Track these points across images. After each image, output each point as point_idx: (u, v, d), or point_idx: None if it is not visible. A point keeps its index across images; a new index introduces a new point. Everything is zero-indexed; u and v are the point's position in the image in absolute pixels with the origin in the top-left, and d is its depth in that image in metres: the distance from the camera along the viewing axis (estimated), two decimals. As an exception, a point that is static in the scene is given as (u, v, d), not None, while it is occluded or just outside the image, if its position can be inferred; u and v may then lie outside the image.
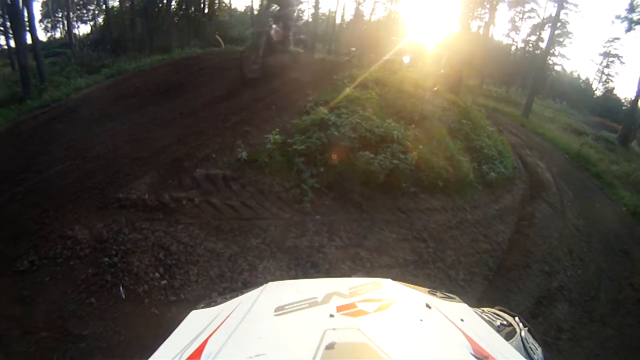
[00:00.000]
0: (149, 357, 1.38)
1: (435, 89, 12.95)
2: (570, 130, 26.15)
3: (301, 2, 25.97)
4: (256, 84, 11.38)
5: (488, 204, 9.45)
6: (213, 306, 1.91)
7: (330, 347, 1.09)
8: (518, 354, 1.39)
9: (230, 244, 5.83)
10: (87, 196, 6.27)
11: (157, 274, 5.10)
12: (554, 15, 30.72)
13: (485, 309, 1.90)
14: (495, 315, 1.79)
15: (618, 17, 34.39)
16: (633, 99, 34.28)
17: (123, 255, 5.24)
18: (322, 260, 6.07)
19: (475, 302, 6.32)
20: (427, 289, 1.82)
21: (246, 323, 1.42)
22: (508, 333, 1.60)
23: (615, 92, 47.35)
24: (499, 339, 1.43)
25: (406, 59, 17.46)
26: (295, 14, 11.97)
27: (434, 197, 8.42)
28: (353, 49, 20.61)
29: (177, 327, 1.71)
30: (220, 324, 1.49)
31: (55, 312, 4.49)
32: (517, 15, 40.25)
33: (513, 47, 42.24)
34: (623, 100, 45.66)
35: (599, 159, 19.93)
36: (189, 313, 1.91)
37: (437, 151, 9.08)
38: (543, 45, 35.20)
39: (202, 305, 2.02)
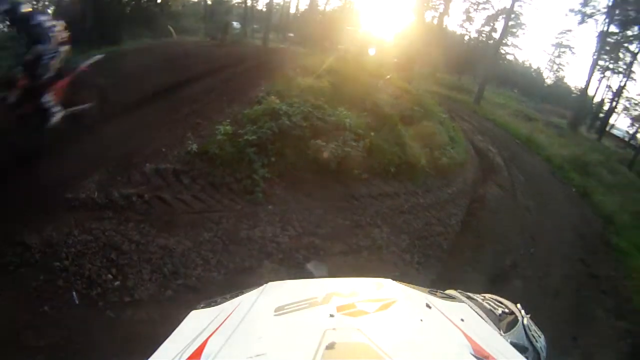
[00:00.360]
0: (148, 357, 1.36)
1: (388, 77, 13.05)
2: (521, 117, 26.86)
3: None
4: (207, 75, 11.21)
5: (440, 188, 9.63)
6: (213, 306, 1.86)
7: (330, 347, 1.08)
8: (519, 354, 1.39)
9: (182, 239, 5.68)
10: (35, 199, 5.97)
11: (109, 275, 4.90)
12: (508, 7, 31.49)
13: (487, 296, 1.90)
14: (497, 303, 1.80)
15: (572, 10, 35.73)
16: (583, 87, 35.72)
17: (74, 258, 4.99)
18: (275, 250, 6.02)
19: (430, 283, 6.41)
20: (427, 289, 1.80)
21: (246, 323, 1.40)
22: (510, 322, 1.63)
23: (565, 80, 49.27)
24: (499, 338, 1.43)
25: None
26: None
27: (387, 183, 8.50)
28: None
29: (176, 327, 1.67)
30: (221, 324, 1.47)
31: (8, 324, 4.25)
32: (472, 7, 41.11)
33: (467, 37, 43.23)
34: (573, 89, 47.44)
35: (549, 143, 20.61)
36: (189, 313, 1.85)
37: (389, 138, 9.17)
38: (496, 35, 36.19)
39: (202, 305, 1.95)
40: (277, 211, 6.76)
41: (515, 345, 1.47)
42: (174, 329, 1.67)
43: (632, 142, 38.78)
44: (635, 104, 40.94)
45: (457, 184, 10.24)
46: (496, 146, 15.55)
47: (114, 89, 9.76)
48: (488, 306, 1.73)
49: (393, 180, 8.67)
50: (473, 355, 1.14)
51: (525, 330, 1.59)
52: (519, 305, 1.76)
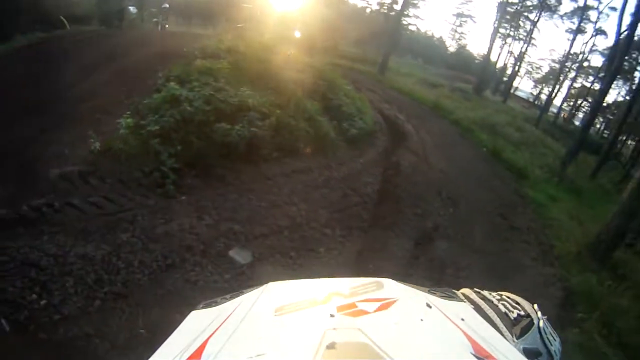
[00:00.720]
0: (148, 357, 1.27)
1: (290, 53, 13.03)
2: (426, 84, 27.91)
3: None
4: (104, 66, 10.75)
5: (353, 158, 9.87)
6: (213, 306, 1.74)
7: (330, 347, 1.05)
8: (520, 354, 1.37)
9: (100, 245, 5.44)
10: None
11: (34, 295, 4.61)
12: (408, -22, 32.21)
13: (504, 294, 1.80)
14: (513, 304, 1.73)
15: (472, -19, 37.22)
16: (485, 53, 37.58)
17: None
18: (195, 241, 5.94)
19: (356, 254, 6.71)
20: (427, 288, 1.70)
21: (246, 323, 1.36)
22: (525, 326, 1.59)
23: (468, 48, 51.76)
24: (500, 338, 1.41)
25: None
26: None
27: (298, 160, 8.62)
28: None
29: (176, 327, 1.66)
30: (221, 324, 1.41)
31: None
32: (372, -21, 41.73)
33: (368, 10, 43.84)
34: (476, 55, 49.89)
35: (456, 107, 21.58)
36: (189, 313, 1.85)
37: (295, 114, 9.27)
38: (397, 7, 36.90)
39: (202, 306, 1.93)
40: (191, 201, 6.67)
41: (529, 350, 1.48)
42: (115, 341, 1.66)
43: (536, 102, 41.59)
44: (537, 68, 43.92)
45: (369, 154, 10.53)
46: (404, 114, 16.02)
47: (4, 92, 9.18)
48: (503, 308, 1.69)
49: (304, 156, 8.81)
50: (473, 355, 1.13)
51: (540, 333, 1.55)
52: (535, 306, 1.70)
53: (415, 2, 43.02)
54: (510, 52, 42.14)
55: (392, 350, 1.05)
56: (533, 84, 45.58)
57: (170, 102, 7.63)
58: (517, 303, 1.73)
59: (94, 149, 6.90)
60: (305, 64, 12.98)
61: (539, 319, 1.60)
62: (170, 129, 7.20)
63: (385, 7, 42.89)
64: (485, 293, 1.80)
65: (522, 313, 1.65)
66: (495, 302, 1.73)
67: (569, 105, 38.79)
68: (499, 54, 41.46)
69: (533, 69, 44.20)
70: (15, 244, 5.19)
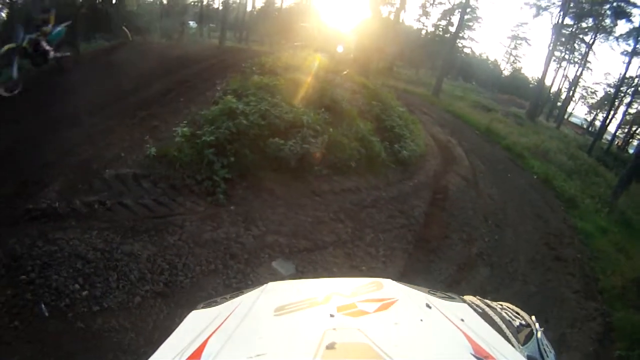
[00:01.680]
0: (148, 357, 1.35)
1: (345, 72, 13.08)
2: (480, 107, 27.30)
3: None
4: (164, 76, 11.06)
5: (402, 180, 9.75)
6: (213, 306, 1.87)
7: (330, 347, 1.09)
8: (519, 354, 1.41)
9: (147, 245, 5.61)
10: (-5, 211, 5.86)
11: (77, 285, 4.80)
12: (464, 1, 31.99)
13: (504, 304, 1.92)
14: (514, 313, 1.81)
15: (527, 3, 36.75)
16: (540, 77, 36.66)
17: (40, 270, 4.86)
18: (240, 250, 6.02)
19: (398, 276, 6.56)
20: (427, 289, 1.83)
21: (246, 323, 1.41)
22: (527, 335, 1.62)
23: (522, 71, 50.62)
24: (499, 339, 1.44)
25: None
26: None
27: (348, 178, 8.58)
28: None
29: (176, 327, 1.67)
30: (221, 324, 1.47)
31: None
32: (428, 1, 41.68)
33: (423, 32, 43.74)
34: (530, 79, 48.67)
35: (509, 132, 21.02)
36: (189, 313, 1.86)
37: (348, 133, 9.24)
38: (453, 29, 36.72)
39: (202, 306, 1.97)
40: (239, 211, 6.75)
41: (531, 358, 1.49)
42: (148, 337, 1.67)
43: (590, 129, 40.11)
44: (592, 92, 42.43)
45: (418, 176, 10.38)
46: (456, 137, 15.78)
47: (68, 94, 9.57)
48: (507, 316, 1.75)
49: (354, 175, 8.75)
50: (473, 355, 1.16)
51: (538, 344, 1.59)
52: (533, 318, 1.78)
53: (470, 24, 42.57)
54: (565, 76, 40.88)
55: (392, 351, 1.08)
56: (587, 109, 43.94)
57: (226, 114, 7.77)
58: (517, 313, 1.82)
59: (149, 154, 7.12)
60: (360, 84, 13.02)
61: (537, 329, 1.65)
62: (225, 140, 7.33)
63: (441, 30, 42.82)
64: (488, 301, 1.93)
65: (524, 322, 1.72)
66: (499, 309, 1.81)
67: (624, 132, 37.11)
68: (554, 78, 40.14)
69: (587, 94, 42.57)
70: (66, 236, 5.40)
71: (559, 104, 42.85)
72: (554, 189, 13.95)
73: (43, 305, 4.55)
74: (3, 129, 8.07)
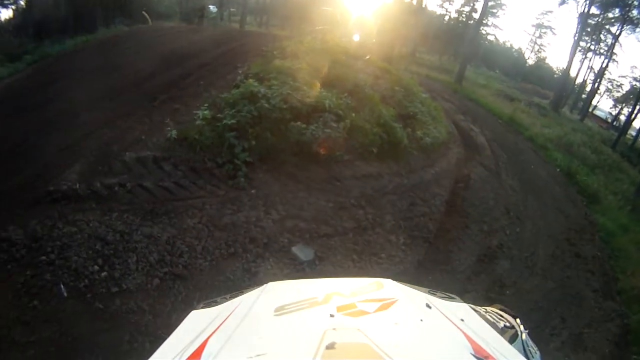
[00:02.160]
0: (149, 357, 1.35)
1: (368, 57, 12.96)
2: (503, 96, 26.94)
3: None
4: (184, 60, 11.07)
5: (424, 168, 9.63)
6: (213, 306, 1.89)
7: (330, 347, 1.09)
8: (518, 354, 1.41)
9: (166, 227, 5.65)
10: (17, 193, 5.85)
11: (96, 267, 4.87)
12: (487, -14, 31.43)
13: (488, 308, 1.91)
14: (498, 316, 1.80)
15: (553, -10, 35.87)
16: (565, 68, 35.98)
17: (60, 251, 4.95)
18: (260, 234, 6.01)
19: (417, 264, 6.55)
20: (427, 289, 1.84)
21: (246, 323, 1.42)
22: (511, 336, 1.62)
23: (547, 61, 49.69)
24: (499, 339, 1.44)
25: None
26: None
27: (369, 164, 8.48)
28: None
29: (177, 327, 1.68)
30: (221, 324, 1.48)
31: None
32: (452, -14, 41.11)
33: (446, 17, 43.26)
34: (555, 69, 47.84)
35: (532, 123, 20.71)
36: (189, 313, 1.88)
37: (370, 119, 9.13)
38: (476, 15, 36.19)
39: (202, 305, 2.00)
40: (260, 195, 6.73)
41: None
42: (165, 320, 1.67)
43: (615, 123, 39.33)
44: (618, 86, 41.52)
45: (440, 164, 10.26)
46: (479, 126, 15.59)
47: (89, 79, 9.62)
48: (491, 319, 1.73)
49: (376, 160, 8.65)
50: (473, 355, 1.16)
51: (523, 345, 1.60)
52: (518, 320, 1.78)
53: (494, 11, 42.00)
54: (591, 68, 40.02)
55: (392, 351, 1.06)
56: (612, 103, 42.97)
57: (248, 98, 7.73)
58: (501, 316, 1.81)
59: (170, 136, 7.15)
60: (383, 69, 12.88)
61: (522, 331, 1.66)
62: (246, 123, 7.30)
63: (464, 15, 42.29)
64: (472, 305, 1.87)
65: (508, 324, 1.71)
66: (483, 312, 1.78)
67: None
68: (579, 69, 39.24)
69: (613, 87, 41.60)
70: (85, 218, 5.48)
71: (583, 96, 42.08)
72: (577, 183, 13.68)
73: (62, 286, 4.59)
74: (24, 114, 8.16)
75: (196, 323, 1.64)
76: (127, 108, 8.45)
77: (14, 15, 23.68)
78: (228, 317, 1.53)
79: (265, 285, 1.89)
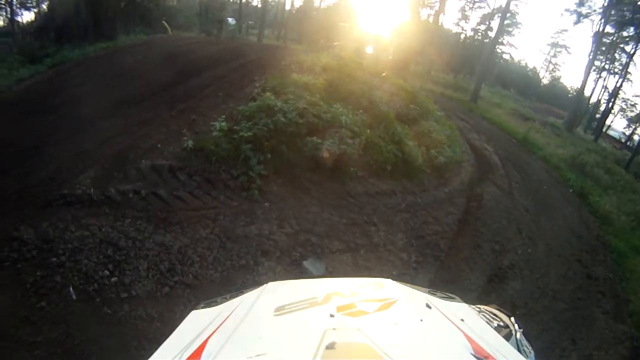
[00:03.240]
0: (149, 357, 1.36)
1: (384, 74, 13.00)
2: (517, 116, 26.84)
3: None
4: (202, 71, 11.17)
5: (437, 187, 9.61)
6: (213, 306, 1.91)
7: (330, 347, 1.09)
8: (518, 353, 1.42)
9: (179, 236, 5.67)
10: (30, 194, 5.90)
11: (106, 272, 4.90)
12: (503, 5, 31.54)
13: (482, 307, 1.94)
14: (492, 315, 1.82)
15: (567, 10, 36.04)
16: (579, 87, 35.78)
17: (71, 254, 4.99)
18: (272, 247, 6.01)
19: (428, 283, 6.44)
20: (427, 289, 1.86)
21: (246, 323, 1.42)
22: (506, 335, 1.63)
23: (561, 80, 49.50)
24: (498, 338, 1.45)
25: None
26: None
27: (383, 181, 8.49)
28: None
29: (177, 326, 1.72)
30: (221, 324, 1.48)
31: (6, 320, 4.21)
32: (468, 5, 41.23)
33: (462, 36, 43.37)
34: (569, 89, 47.58)
35: (546, 143, 20.58)
36: (189, 313, 1.92)
37: (385, 136, 9.15)
38: (492, 34, 36.27)
39: (202, 305, 2.03)
40: (273, 208, 6.75)
41: None
42: (174, 328, 1.67)
43: (628, 143, 38.92)
44: (632, 105, 41.13)
45: (454, 183, 10.23)
46: (493, 145, 15.54)
47: (108, 85, 9.74)
48: (484, 318, 1.74)
49: (389, 178, 8.66)
50: (473, 355, 1.15)
51: (518, 344, 1.60)
52: (512, 319, 1.79)
53: (510, 29, 41.91)
54: (605, 87, 39.65)
55: (392, 351, 1.07)
56: (626, 122, 42.52)
57: (265, 111, 7.78)
58: (495, 315, 1.83)
59: (186, 146, 7.19)
60: (398, 86, 12.88)
61: (516, 330, 1.68)
62: (262, 136, 7.32)
63: (480, 34, 42.26)
64: (466, 304, 1.88)
65: (502, 323, 1.73)
66: (477, 312, 1.79)
67: None
68: (593, 89, 38.85)
69: (627, 107, 41.11)
70: (98, 222, 5.52)
71: (597, 115, 41.74)
72: (589, 204, 13.56)
73: (71, 289, 4.63)
74: (42, 116, 8.26)
75: (196, 323, 1.66)
76: (144, 116, 8.54)
77: (35, 18, 24.13)
78: (228, 317, 1.54)
79: (265, 285, 1.89)
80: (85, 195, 5.93)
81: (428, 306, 1.51)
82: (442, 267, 7.10)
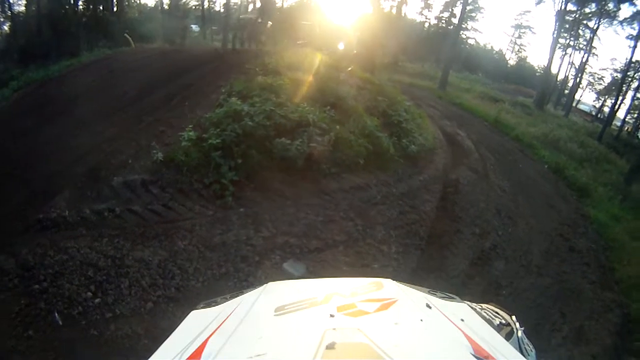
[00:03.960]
0: (149, 357, 1.39)
1: (350, 69, 13.02)
2: (487, 99, 27.00)
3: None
4: (168, 81, 11.08)
5: (412, 175, 9.65)
6: (213, 306, 1.91)
7: (330, 347, 1.09)
8: (518, 353, 1.42)
9: (157, 250, 5.68)
10: (6, 222, 5.87)
11: (89, 293, 4.90)
12: (465, -9, 31.69)
13: (484, 305, 1.92)
14: (494, 313, 1.83)
15: (529, -10, 36.09)
16: (546, 65, 36.14)
17: (52, 279, 4.98)
18: (251, 252, 6.04)
19: (411, 273, 6.55)
20: (427, 289, 1.85)
21: (246, 323, 1.42)
22: (507, 333, 1.65)
23: (528, 60, 49.92)
24: (499, 338, 1.45)
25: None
26: None
27: (357, 176, 8.51)
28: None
29: (176, 327, 1.71)
30: (221, 324, 1.48)
31: None
32: (430, -7, 41.36)
33: (426, 24, 43.48)
34: (537, 68, 48.07)
35: (517, 122, 20.77)
36: (189, 313, 1.91)
37: (355, 130, 9.18)
38: (455, 20, 36.46)
39: (202, 306, 2.02)
40: (249, 213, 6.75)
41: None
42: (170, 332, 1.67)
43: (599, 115, 39.56)
44: (600, 78, 41.79)
45: (428, 170, 10.27)
46: (464, 129, 15.63)
47: (74, 104, 9.61)
48: (487, 316, 1.75)
49: (363, 171, 8.68)
50: (473, 355, 1.17)
51: (519, 342, 1.61)
52: (514, 317, 1.81)
53: (473, 15, 42.25)
54: (571, 63, 40.20)
55: (392, 350, 1.08)
56: (595, 96, 43.16)
57: (232, 116, 7.77)
58: (497, 313, 1.86)
59: (156, 159, 7.17)
60: (365, 80, 12.94)
61: (517, 329, 1.70)
62: (231, 142, 7.32)
63: (444, 22, 42.51)
64: (468, 302, 1.90)
65: (504, 322, 1.76)
66: (479, 310, 1.80)
67: (633, 118, 36.32)
68: (560, 66, 39.26)
69: (595, 80, 41.67)
70: (76, 244, 5.50)
71: (566, 91, 42.31)
72: (566, 178, 13.76)
73: (57, 314, 4.62)
74: (12, 140, 8.14)
75: (196, 323, 1.66)
76: (113, 131, 8.45)
77: (-3, 41, 23.62)
78: (228, 317, 1.54)
79: (265, 285, 1.89)
80: (61, 218, 5.91)
81: (428, 306, 1.52)
82: (423, 255, 7.17)
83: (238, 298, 1.85)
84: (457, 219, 8.52)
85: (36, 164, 7.35)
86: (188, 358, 1.25)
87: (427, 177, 9.94)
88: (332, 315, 1.35)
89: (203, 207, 6.63)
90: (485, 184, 10.79)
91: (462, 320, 1.47)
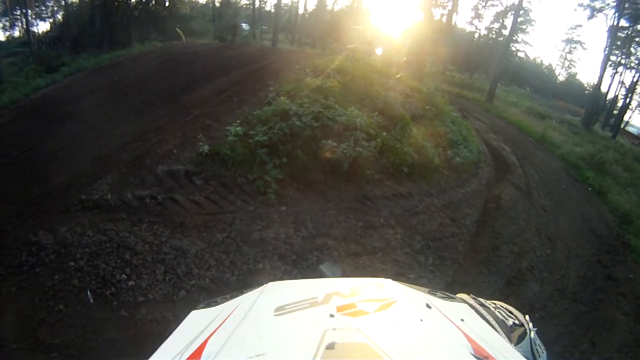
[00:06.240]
0: (149, 357, 1.36)
1: (398, 76, 12.97)
2: (534, 114, 26.54)
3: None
4: (217, 76, 11.23)
5: (454, 188, 9.51)
6: (213, 306, 1.90)
7: (330, 347, 1.08)
8: (518, 353, 1.39)
9: (195, 240, 5.71)
10: (49, 200, 6.03)
11: (123, 276, 4.96)
12: (516, 3, 31.21)
13: (497, 303, 1.91)
14: (508, 313, 1.80)
15: (581, 5, 35.24)
16: (595, 83, 35.18)
17: (88, 258, 5.07)
18: (289, 251, 6.00)
19: (445, 285, 6.37)
20: (428, 289, 1.83)
21: (246, 323, 1.41)
22: (520, 334, 1.63)
23: (577, 77, 48.66)
24: (499, 338, 1.43)
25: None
26: None
27: (400, 183, 8.42)
28: None
29: (176, 327, 1.70)
30: (221, 324, 1.48)
31: (25, 322, 4.30)
32: (480, 3, 40.88)
33: (476, 35, 43.02)
34: (586, 85, 46.86)
35: (563, 141, 20.28)
36: (189, 313, 1.89)
37: (401, 138, 9.09)
38: (506, 32, 35.91)
39: (202, 305, 2.01)
40: (289, 212, 6.73)
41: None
42: (171, 332, 1.66)
43: (647, 139, 38.25)
44: (649, 100, 40.35)
45: (471, 184, 10.12)
46: (510, 145, 15.39)
47: (123, 92, 9.83)
48: (500, 316, 1.73)
49: (406, 180, 8.58)
50: (473, 355, 1.15)
51: (531, 344, 1.59)
52: (527, 317, 1.77)
53: (524, 27, 41.50)
54: (622, 82, 38.90)
55: (392, 351, 1.05)
56: (645, 118, 41.82)
57: (279, 115, 7.80)
58: (511, 312, 1.79)
59: (202, 151, 7.23)
60: (413, 88, 12.83)
61: (530, 329, 1.65)
62: (277, 141, 7.35)
63: (494, 33, 41.96)
64: (482, 300, 1.88)
65: (517, 322, 1.70)
66: (492, 308, 1.77)
67: None
68: (610, 84, 37.94)
69: (645, 102, 40.43)
70: (116, 227, 5.59)
71: (615, 112, 41.13)
72: (609, 202, 13.29)
73: (89, 292, 4.68)
74: (59, 123, 8.36)
75: (196, 323, 1.65)
76: (160, 122, 8.62)
77: (50, 28, 24.51)
78: (228, 317, 1.53)
79: (265, 285, 1.89)
80: (103, 200, 6.03)
81: (428, 306, 1.50)
82: (459, 269, 6.98)
83: (238, 298, 1.85)
84: (496, 235, 8.31)
85: (82, 147, 7.55)
86: (188, 358, 1.24)
87: (470, 190, 9.77)
88: (332, 315, 1.33)
89: (244, 202, 6.64)
90: (527, 202, 10.55)
91: (462, 320, 1.46)
